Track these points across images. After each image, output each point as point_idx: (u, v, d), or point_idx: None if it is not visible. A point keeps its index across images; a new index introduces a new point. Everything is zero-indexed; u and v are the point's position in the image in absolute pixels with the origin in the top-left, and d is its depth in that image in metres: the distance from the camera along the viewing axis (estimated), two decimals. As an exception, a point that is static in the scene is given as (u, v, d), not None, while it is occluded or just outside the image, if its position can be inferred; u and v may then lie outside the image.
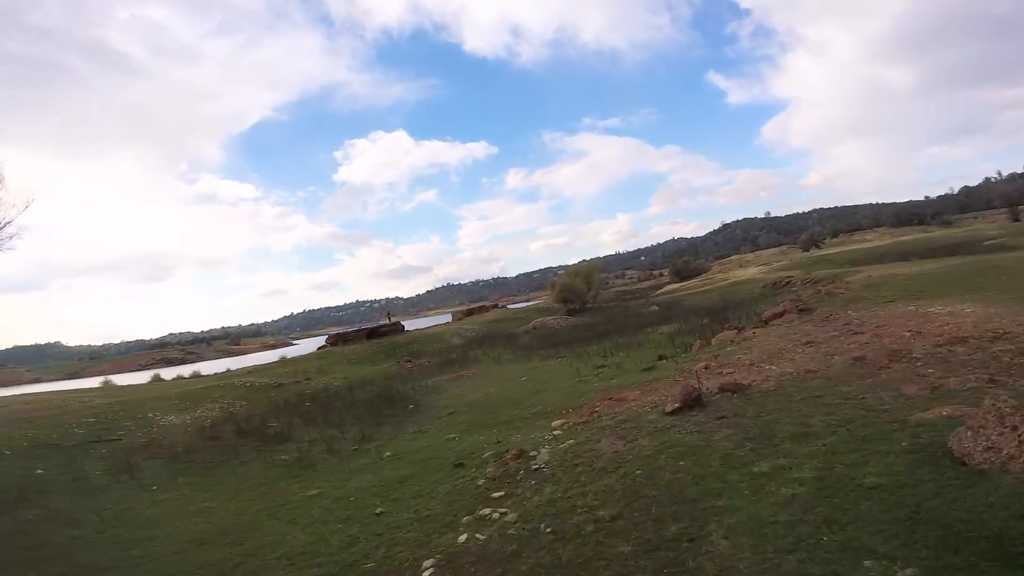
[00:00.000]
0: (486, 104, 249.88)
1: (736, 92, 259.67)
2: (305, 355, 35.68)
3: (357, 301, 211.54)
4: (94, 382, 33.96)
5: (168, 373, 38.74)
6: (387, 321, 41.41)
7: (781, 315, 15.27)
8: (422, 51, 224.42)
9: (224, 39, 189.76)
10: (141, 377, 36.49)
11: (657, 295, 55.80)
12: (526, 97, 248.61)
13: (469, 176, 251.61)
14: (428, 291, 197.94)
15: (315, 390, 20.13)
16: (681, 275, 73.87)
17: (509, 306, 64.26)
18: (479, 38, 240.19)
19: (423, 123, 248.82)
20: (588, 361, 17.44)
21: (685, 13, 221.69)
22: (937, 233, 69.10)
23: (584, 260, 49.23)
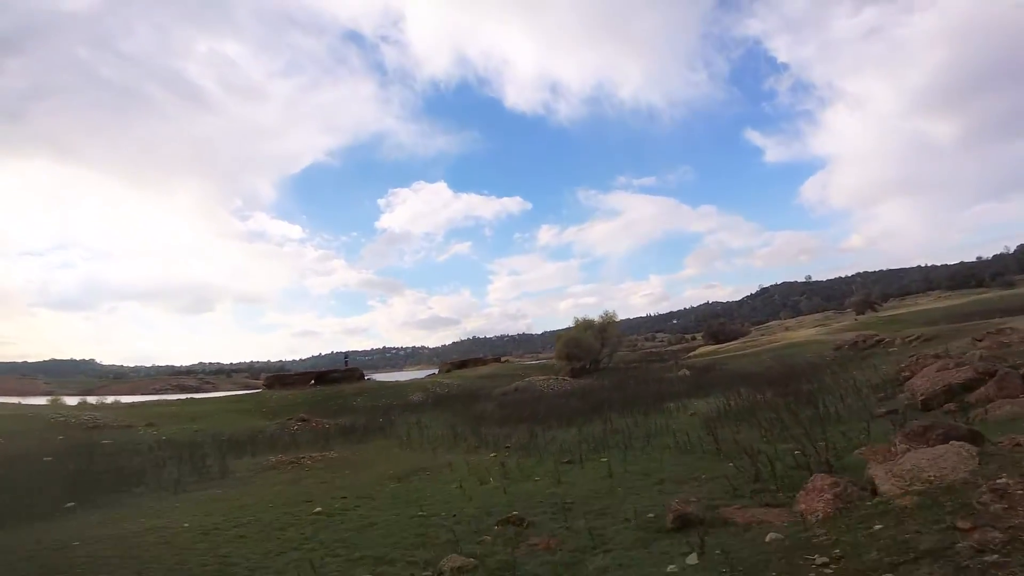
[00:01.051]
0: (523, 159, 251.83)
1: (774, 149, 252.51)
2: (200, 397, 27.89)
3: (384, 347, 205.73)
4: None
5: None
6: (343, 366, 33.38)
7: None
8: (466, 104, 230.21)
9: (288, 80, 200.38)
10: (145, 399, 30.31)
11: (689, 357, 46.13)
12: (562, 153, 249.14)
13: (502, 230, 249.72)
14: (454, 343, 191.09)
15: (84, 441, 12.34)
16: (717, 337, 63.80)
17: (514, 360, 55.39)
18: (519, 93, 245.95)
19: (463, 175, 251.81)
20: (540, 462, 8.84)
21: (723, 69, 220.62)
22: (999, 294, 57.52)
23: (608, 314, 39.37)
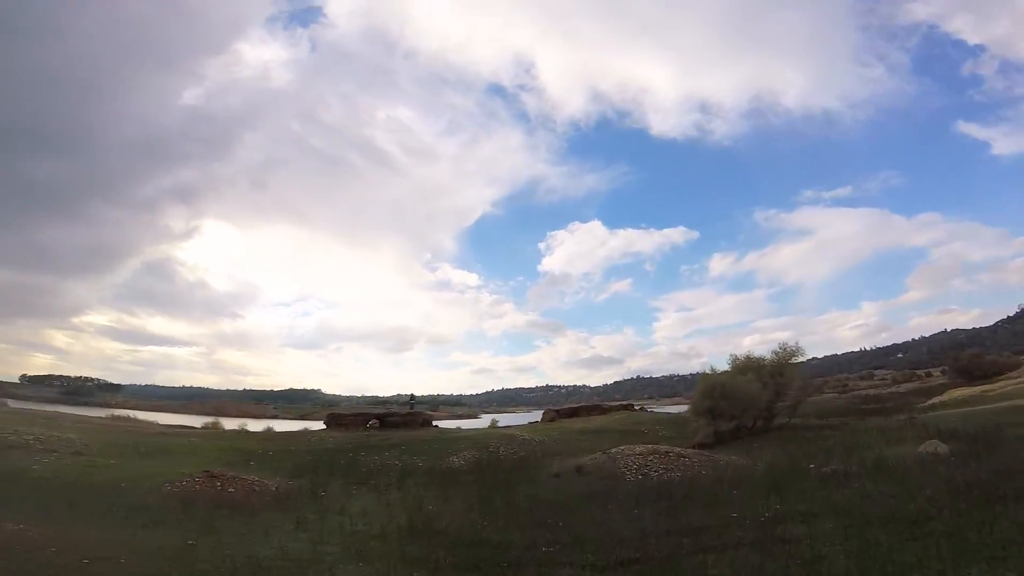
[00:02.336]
0: (680, 187, 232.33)
1: (1003, 141, 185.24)
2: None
3: (547, 385, 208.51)
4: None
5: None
6: (408, 410, 27.14)
7: None
8: (608, 140, 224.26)
9: (452, 138, 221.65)
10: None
11: (929, 404, 29.45)
12: (727, 175, 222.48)
13: (666, 264, 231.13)
14: (616, 382, 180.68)
15: None
16: (970, 374, 42.62)
17: (652, 409, 43.05)
18: (664, 120, 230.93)
19: (616, 211, 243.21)
20: None
21: (902, 60, 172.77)
22: None
23: (788, 348, 25.77)
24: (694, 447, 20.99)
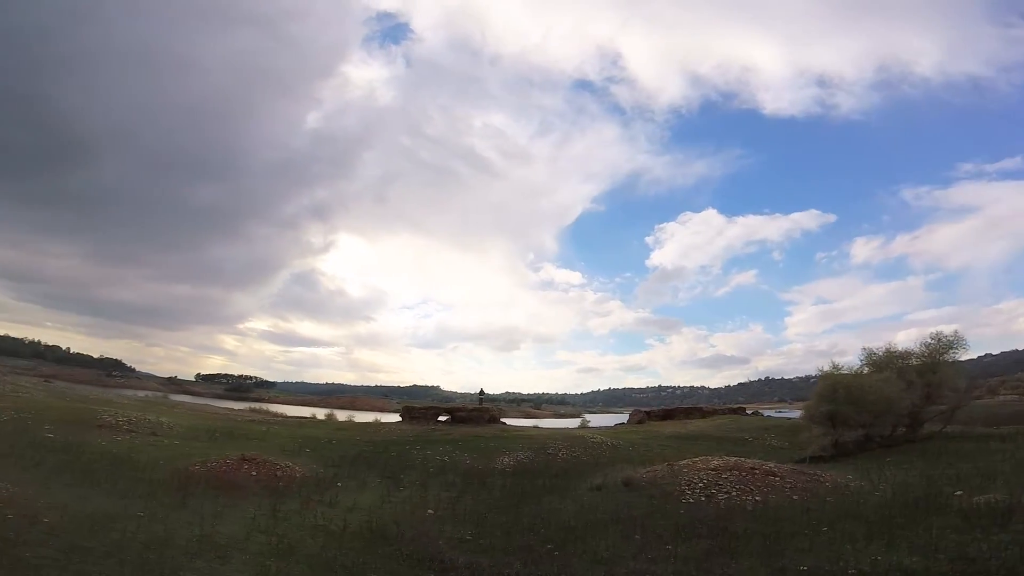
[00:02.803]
0: (807, 167, 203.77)
1: None
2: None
3: (660, 386, 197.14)
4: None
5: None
6: (477, 405, 26.22)
7: None
8: (716, 124, 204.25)
9: (545, 139, 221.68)
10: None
11: None
12: (861, 152, 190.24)
13: (797, 252, 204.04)
14: (740, 383, 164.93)
15: None
16: None
17: (769, 413, 36.81)
18: (777, 98, 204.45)
19: (734, 198, 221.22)
20: None
21: None
22: None
23: (943, 340, 20.29)
24: (804, 461, 17.03)
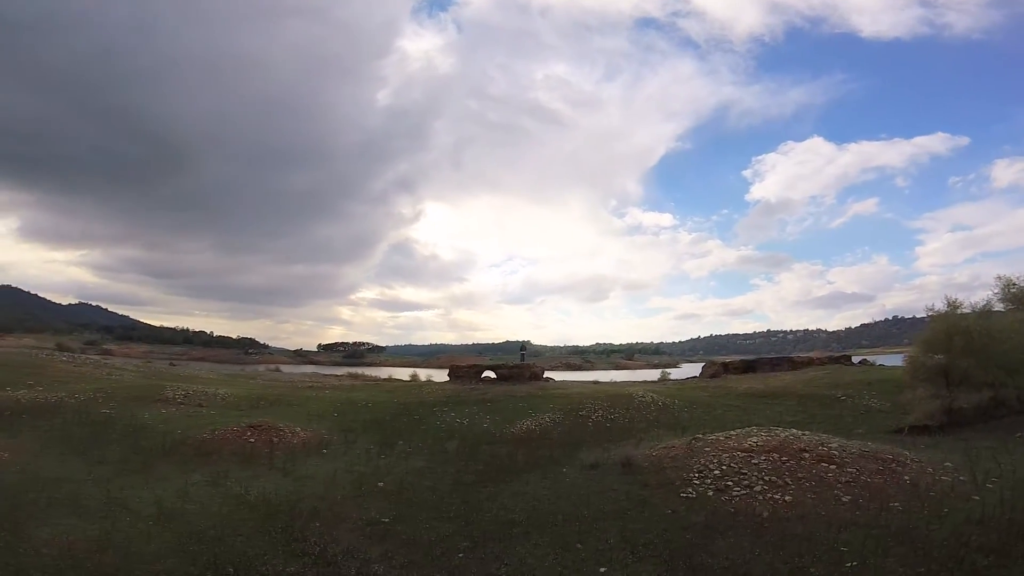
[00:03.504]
0: (924, 90, 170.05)
1: None
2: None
3: (768, 331, 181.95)
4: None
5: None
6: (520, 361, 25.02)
7: None
8: (808, 50, 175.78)
9: (613, 82, 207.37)
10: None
11: None
12: (988, 72, 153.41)
13: (925, 178, 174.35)
14: (863, 325, 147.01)
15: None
16: None
17: (885, 361, 30.69)
18: (876, 21, 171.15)
19: (841, 125, 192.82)
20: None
21: None
22: None
23: None
24: (901, 431, 13.58)
